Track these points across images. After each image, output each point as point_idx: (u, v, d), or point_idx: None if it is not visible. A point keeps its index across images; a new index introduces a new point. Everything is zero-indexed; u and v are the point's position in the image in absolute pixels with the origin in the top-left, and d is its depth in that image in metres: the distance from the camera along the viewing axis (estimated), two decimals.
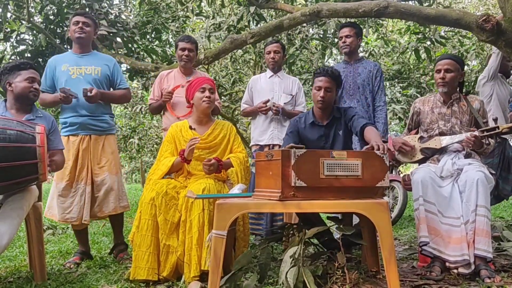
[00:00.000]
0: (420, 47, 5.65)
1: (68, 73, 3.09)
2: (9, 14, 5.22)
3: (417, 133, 3.01)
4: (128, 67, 5.65)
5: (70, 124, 3.08)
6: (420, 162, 2.88)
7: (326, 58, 6.48)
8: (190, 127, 2.81)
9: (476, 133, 2.66)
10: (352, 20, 4.30)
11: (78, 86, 3.02)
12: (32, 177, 2.34)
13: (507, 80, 4.07)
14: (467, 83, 7.50)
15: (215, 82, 3.81)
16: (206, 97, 2.77)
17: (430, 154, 2.84)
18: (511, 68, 4.05)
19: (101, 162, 3.08)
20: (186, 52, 3.51)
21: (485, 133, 2.66)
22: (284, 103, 3.65)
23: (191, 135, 2.79)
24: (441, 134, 2.82)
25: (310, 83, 7.05)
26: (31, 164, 2.29)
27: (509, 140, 3.64)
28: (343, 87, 3.47)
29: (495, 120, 2.76)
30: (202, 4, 6.75)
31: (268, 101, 3.59)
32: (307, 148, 2.87)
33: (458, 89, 2.88)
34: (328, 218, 2.79)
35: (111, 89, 3.27)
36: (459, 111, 2.82)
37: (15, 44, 5.40)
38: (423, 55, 5.76)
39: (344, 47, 3.54)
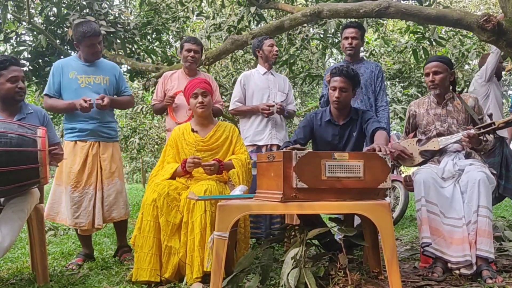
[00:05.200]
0: (418, 48, 5.64)
1: (77, 81, 3.08)
2: (9, 16, 5.22)
3: (415, 135, 3.00)
4: (129, 68, 5.65)
5: (80, 130, 3.07)
6: (421, 165, 2.87)
7: (326, 58, 6.47)
8: (192, 130, 2.81)
9: (472, 131, 2.64)
10: (353, 20, 4.29)
11: (87, 95, 3.03)
12: (33, 181, 2.34)
13: (499, 81, 4.06)
14: (468, 83, 7.48)
15: (215, 82, 3.79)
16: (199, 103, 2.78)
17: (429, 156, 2.83)
18: (503, 69, 4.04)
19: (112, 168, 3.10)
20: (191, 53, 3.51)
21: (481, 130, 2.65)
22: (280, 102, 3.62)
23: (193, 138, 2.80)
24: (439, 135, 2.81)
25: (309, 82, 7.04)
26: (32, 168, 2.29)
27: (506, 139, 3.64)
28: None
29: (490, 115, 2.75)
30: (202, 4, 6.74)
31: (273, 105, 3.54)
32: (319, 145, 2.90)
33: (451, 89, 2.88)
34: (329, 219, 2.79)
35: (115, 96, 3.31)
36: (454, 110, 2.81)
37: (15, 45, 5.41)
38: (423, 55, 5.74)
39: (349, 48, 3.45)
